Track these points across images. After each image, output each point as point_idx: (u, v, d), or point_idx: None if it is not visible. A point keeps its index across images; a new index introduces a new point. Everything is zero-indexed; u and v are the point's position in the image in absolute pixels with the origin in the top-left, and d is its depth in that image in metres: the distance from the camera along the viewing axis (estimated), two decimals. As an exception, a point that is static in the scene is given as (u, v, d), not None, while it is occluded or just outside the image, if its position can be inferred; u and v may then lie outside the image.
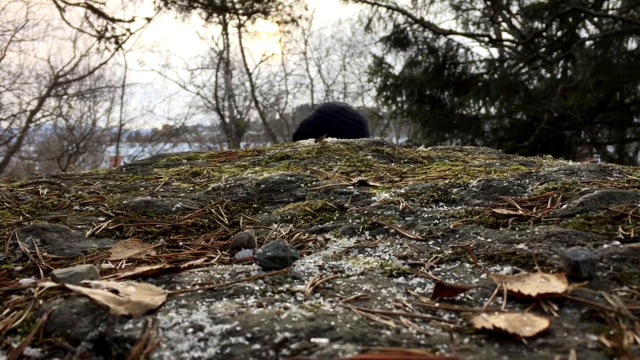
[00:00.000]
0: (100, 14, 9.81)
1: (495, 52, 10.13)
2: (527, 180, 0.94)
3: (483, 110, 8.61)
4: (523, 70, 8.52)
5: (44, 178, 1.21)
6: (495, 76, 8.37)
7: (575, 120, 7.07)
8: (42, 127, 17.57)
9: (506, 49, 9.66)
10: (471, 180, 0.96)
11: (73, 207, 0.97)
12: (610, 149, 8.63)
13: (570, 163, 1.09)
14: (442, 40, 8.63)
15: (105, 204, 0.98)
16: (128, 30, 9.86)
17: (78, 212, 0.95)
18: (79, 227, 0.88)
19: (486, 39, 9.10)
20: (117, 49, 11.03)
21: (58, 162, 12.71)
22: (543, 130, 7.09)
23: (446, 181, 0.99)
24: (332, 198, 0.96)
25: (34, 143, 19.14)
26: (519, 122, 8.10)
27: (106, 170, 1.35)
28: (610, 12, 7.76)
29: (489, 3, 8.61)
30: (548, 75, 8.71)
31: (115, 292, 0.55)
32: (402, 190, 0.96)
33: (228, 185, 1.07)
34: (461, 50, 8.57)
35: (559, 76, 8.28)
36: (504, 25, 10.13)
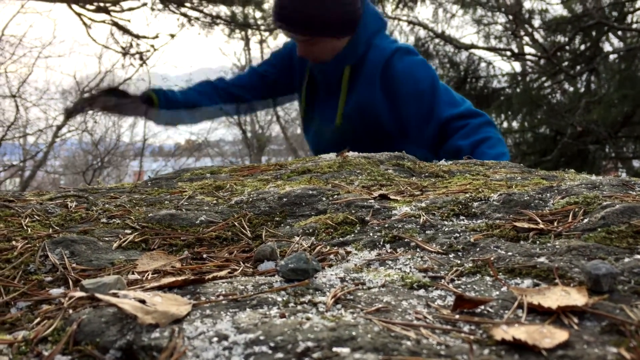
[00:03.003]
0: (125, 30, 9.98)
1: (517, 66, 10.10)
2: (548, 194, 0.94)
3: (505, 124, 8.55)
4: (546, 84, 8.47)
5: (72, 192, 1.24)
6: (518, 90, 8.32)
7: (599, 135, 6.99)
8: (68, 142, 17.86)
9: (528, 62, 9.61)
10: (492, 194, 0.97)
11: (100, 220, 0.99)
12: (636, 163, 8.50)
13: (593, 177, 1.09)
14: (463, 54, 8.60)
15: (132, 217, 1.00)
16: (152, 46, 10.02)
17: (105, 224, 0.97)
18: (106, 239, 0.90)
19: (508, 53, 9.06)
20: (141, 65, 11.20)
21: (83, 176, 12.90)
22: (566, 145, 7.03)
23: (467, 195, 1.00)
24: (353, 211, 0.97)
25: (59, 157, 19.47)
26: (542, 136, 8.03)
27: (132, 184, 1.38)
28: (635, 26, 7.69)
29: (510, 17, 8.59)
30: (571, 89, 8.64)
31: (143, 302, 0.56)
32: (423, 204, 0.97)
33: (251, 199, 1.09)
34: (483, 64, 8.54)
35: (582, 90, 8.21)
36: (526, 39, 10.09)
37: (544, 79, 8.37)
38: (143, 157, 19.08)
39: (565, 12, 8.51)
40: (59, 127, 16.00)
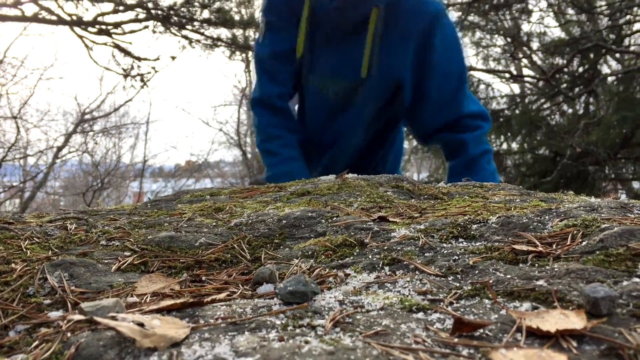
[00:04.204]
0: (126, 52, 10.06)
1: (516, 88, 10.16)
2: (547, 217, 0.94)
3: (505, 146, 8.58)
4: (545, 106, 8.51)
5: (72, 214, 1.25)
6: (517, 112, 8.36)
7: (598, 156, 7.00)
8: (68, 163, 17.90)
9: (527, 84, 9.67)
10: (491, 217, 0.97)
11: (100, 242, 1.00)
12: (636, 184, 8.51)
13: (591, 200, 1.09)
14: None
15: (131, 239, 1.01)
16: (153, 68, 10.08)
17: (104, 247, 0.97)
18: (106, 261, 0.90)
19: (507, 75, 9.12)
20: (142, 87, 11.26)
21: (83, 198, 12.90)
22: (566, 166, 7.04)
23: (466, 217, 1.00)
24: (352, 234, 0.97)
25: (59, 179, 19.48)
26: (542, 157, 8.05)
27: (131, 206, 1.38)
28: (632, 48, 7.75)
29: (509, 40, 8.67)
30: (570, 110, 8.68)
31: (141, 325, 0.56)
32: (422, 226, 0.97)
33: (250, 221, 1.09)
34: (482, 86, 8.61)
35: (581, 112, 8.26)
36: (525, 61, 10.18)
37: (542, 100, 8.42)
38: (143, 178, 19.08)
39: (563, 35, 8.60)
40: (60, 149, 16.03)
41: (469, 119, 2.27)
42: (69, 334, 0.60)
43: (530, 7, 8.39)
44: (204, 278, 0.84)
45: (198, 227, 1.10)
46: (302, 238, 1.00)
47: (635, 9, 7.39)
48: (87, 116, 16.71)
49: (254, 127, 2.14)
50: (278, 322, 0.60)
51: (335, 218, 1.06)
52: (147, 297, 0.74)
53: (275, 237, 1.01)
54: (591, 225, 0.86)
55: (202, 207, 1.26)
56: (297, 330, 0.57)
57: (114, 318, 0.58)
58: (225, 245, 0.97)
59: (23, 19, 8.60)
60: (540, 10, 8.56)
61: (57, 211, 1.31)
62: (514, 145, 8.34)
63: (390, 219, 1.04)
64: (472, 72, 8.64)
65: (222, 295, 0.73)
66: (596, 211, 0.95)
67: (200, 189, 1.47)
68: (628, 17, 7.49)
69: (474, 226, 0.94)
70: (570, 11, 8.25)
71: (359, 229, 0.99)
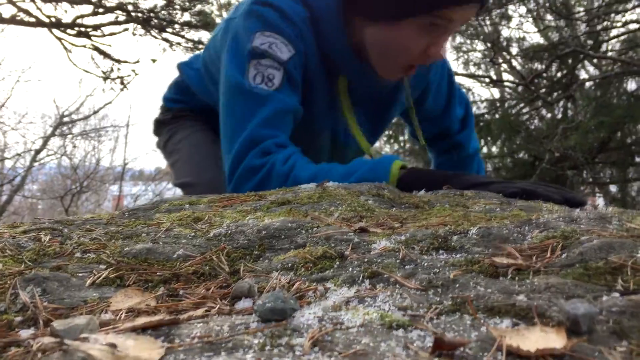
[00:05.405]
0: (106, 55, 9.95)
1: (496, 93, 10.25)
2: (526, 228, 0.94)
3: (485, 150, 8.64)
4: (524, 111, 8.60)
5: (47, 223, 1.22)
6: (497, 116, 8.44)
7: (577, 160, 7.09)
8: (46, 166, 17.68)
9: (507, 89, 9.77)
10: (471, 228, 0.97)
11: (75, 255, 0.97)
12: (613, 188, 8.62)
13: (571, 211, 1.09)
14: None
15: (107, 251, 0.99)
16: (133, 71, 10.00)
17: (79, 259, 0.95)
18: (80, 275, 0.88)
19: (487, 79, 9.20)
20: (122, 89, 11.15)
21: (61, 202, 12.74)
22: (545, 170, 7.11)
23: (446, 228, 1.00)
24: (332, 245, 0.96)
25: (37, 182, 19.24)
26: (521, 161, 8.13)
27: (108, 214, 1.36)
28: (609, 54, 7.87)
29: (489, 45, 8.75)
30: (549, 115, 8.78)
31: (114, 346, 0.55)
32: (403, 237, 0.97)
33: (229, 232, 1.08)
34: (462, 91, 8.67)
35: (559, 116, 8.36)
36: (505, 66, 10.27)
37: (522, 105, 8.51)
38: (123, 181, 18.90)
39: (542, 40, 8.70)
40: (38, 151, 15.81)
41: (459, 122, 2.39)
42: (39, 354, 0.58)
43: (510, 12, 8.49)
44: (181, 292, 0.83)
45: (176, 237, 1.08)
46: (282, 249, 0.99)
47: (612, 15, 7.51)
48: (66, 119, 16.51)
49: (257, 180, 1.70)
50: (256, 341, 0.59)
51: (315, 229, 1.06)
52: (122, 314, 0.73)
53: (255, 249, 1.00)
54: (571, 236, 0.86)
55: (180, 217, 1.24)
56: (275, 351, 0.56)
57: (85, 339, 0.56)
58: (203, 257, 0.96)
59: (1, 21, 8.48)
60: (520, 15, 8.64)
61: (32, 220, 1.28)
62: (495, 150, 8.41)
63: (371, 230, 1.03)
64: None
65: (199, 312, 0.72)
66: (575, 222, 0.95)
67: (180, 197, 1.45)
68: (605, 23, 7.61)
69: (455, 237, 0.94)
70: (549, 17, 8.35)
71: (339, 240, 0.98)
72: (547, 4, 7.77)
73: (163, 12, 7.95)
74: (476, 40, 9.08)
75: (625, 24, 7.54)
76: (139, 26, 8.55)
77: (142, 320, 0.66)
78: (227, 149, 1.76)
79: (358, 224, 1.08)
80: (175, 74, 2.37)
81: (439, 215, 1.15)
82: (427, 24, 1.66)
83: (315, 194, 1.31)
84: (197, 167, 2.26)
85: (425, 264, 0.84)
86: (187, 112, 2.36)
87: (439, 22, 1.66)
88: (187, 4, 7.72)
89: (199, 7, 7.87)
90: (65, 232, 1.12)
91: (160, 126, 2.47)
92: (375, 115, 2.10)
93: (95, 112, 16.62)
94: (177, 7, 7.81)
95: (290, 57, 1.73)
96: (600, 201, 8.59)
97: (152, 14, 7.99)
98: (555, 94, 8.04)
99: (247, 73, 1.70)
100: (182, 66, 2.31)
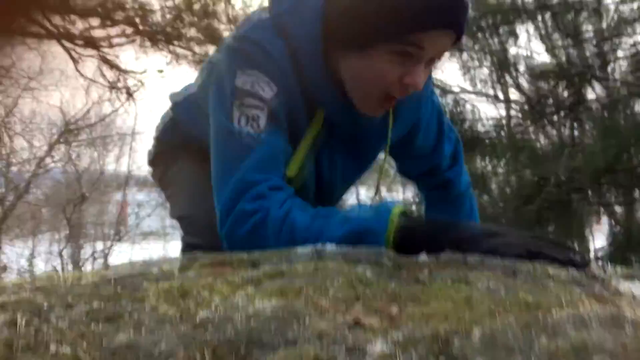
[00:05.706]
0: (112, 65, 9.97)
1: (502, 111, 10.19)
2: (533, 332, 0.88)
3: (490, 168, 8.59)
4: (530, 130, 8.55)
5: (28, 291, 1.16)
6: (502, 134, 8.40)
7: (582, 182, 7.03)
8: (51, 173, 17.73)
9: (513, 108, 9.72)
10: (474, 329, 0.91)
11: (49, 348, 0.91)
12: (618, 209, 8.55)
13: (580, 307, 1.03)
14: (449, 97, 8.67)
15: (84, 343, 0.93)
16: (140, 81, 10.01)
17: (53, 356, 0.89)
18: (52, 379, 0.82)
19: (493, 97, 9.17)
20: (128, 99, 11.16)
21: (64, 212, 12.76)
22: (550, 192, 7.05)
23: (447, 325, 0.94)
24: (325, 345, 0.90)
25: (43, 186, 19.26)
26: (526, 181, 8.07)
27: (94, 277, 1.30)
28: (617, 75, 7.81)
29: (495, 59, 8.72)
30: (555, 134, 8.73)
31: None
32: (400, 336, 0.91)
33: (217, 317, 1.02)
34: (468, 107, 8.61)
35: (565, 136, 8.30)
36: (510, 82, 10.22)
37: (527, 124, 8.46)
38: (127, 187, 18.97)
39: (549, 60, 8.65)
40: (43, 158, 15.89)
41: (449, 159, 2.31)
42: None
43: (517, 30, 8.45)
44: (158, 407, 0.77)
45: (161, 321, 1.02)
46: (272, 347, 0.93)
47: (620, 36, 7.47)
48: (72, 126, 16.58)
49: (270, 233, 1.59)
50: None
51: (308, 318, 1.00)
52: None
53: (242, 344, 0.94)
54: (580, 351, 0.80)
55: (168, 289, 1.18)
56: None
57: None
58: (187, 354, 0.90)
59: (11, 32, 8.49)
60: (528, 33, 8.61)
61: (12, 287, 1.23)
62: (500, 169, 8.35)
63: (366, 323, 0.97)
64: (460, 94, 8.68)
65: None
66: (586, 327, 0.89)
67: (170, 261, 1.40)
68: (613, 44, 7.56)
69: (456, 341, 0.88)
70: (556, 36, 8.31)
71: (332, 339, 0.92)
72: (556, 23, 7.75)
73: (170, 27, 7.95)
74: (483, 58, 9.04)
75: (634, 45, 7.49)
76: (146, 39, 8.56)
77: None
78: (218, 193, 1.71)
79: (354, 311, 1.02)
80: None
81: (440, 298, 1.09)
82: (398, 52, 1.61)
83: (310, 264, 1.26)
84: (194, 200, 2.20)
85: (423, 379, 0.78)
86: (180, 143, 2.30)
87: (410, 50, 1.60)
88: (195, 19, 7.72)
89: (206, 22, 7.87)
90: (44, 311, 1.06)
91: (154, 158, 2.42)
92: (354, 153, 2.03)
93: (101, 120, 16.66)
94: (185, 22, 7.81)
95: (272, 95, 1.65)
96: (605, 228, 8.44)
97: (159, 29, 7.99)
98: (561, 113, 7.99)
99: (232, 115, 1.65)
100: (173, 98, 2.26)
